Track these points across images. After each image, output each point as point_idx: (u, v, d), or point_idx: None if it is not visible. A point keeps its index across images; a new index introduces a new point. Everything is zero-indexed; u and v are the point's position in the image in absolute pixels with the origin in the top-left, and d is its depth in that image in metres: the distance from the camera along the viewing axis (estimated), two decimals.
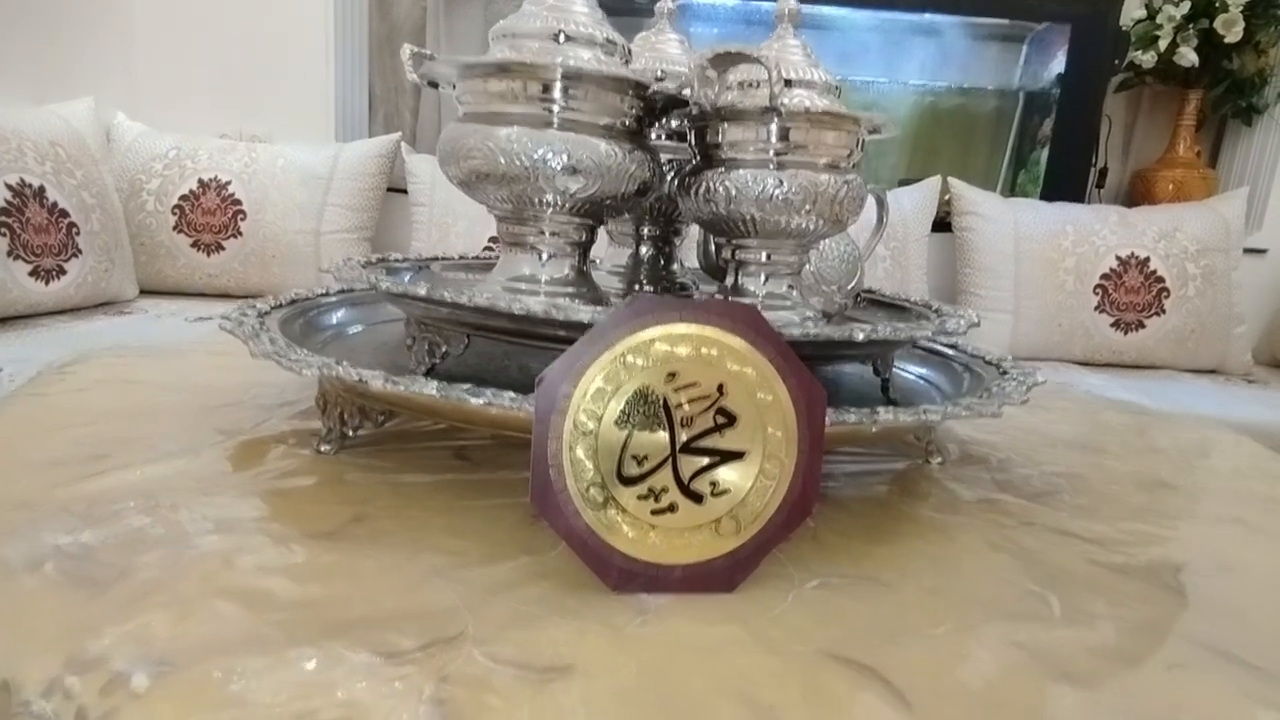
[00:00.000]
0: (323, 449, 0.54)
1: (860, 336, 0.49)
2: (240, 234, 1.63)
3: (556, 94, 0.53)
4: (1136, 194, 1.94)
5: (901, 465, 0.62)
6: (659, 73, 0.68)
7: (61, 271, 1.38)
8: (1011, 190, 2.07)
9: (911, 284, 1.70)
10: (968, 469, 0.62)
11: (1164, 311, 1.65)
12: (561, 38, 0.55)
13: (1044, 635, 0.37)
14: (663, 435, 0.38)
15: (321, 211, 1.67)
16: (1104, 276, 1.65)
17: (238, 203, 1.63)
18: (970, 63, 2.06)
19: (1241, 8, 1.69)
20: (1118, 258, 1.66)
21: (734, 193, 0.56)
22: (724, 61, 0.54)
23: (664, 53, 0.70)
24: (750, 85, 0.58)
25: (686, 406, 0.39)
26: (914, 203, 1.76)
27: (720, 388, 0.39)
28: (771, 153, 0.56)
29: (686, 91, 0.55)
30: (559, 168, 0.53)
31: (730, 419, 0.39)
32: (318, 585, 0.37)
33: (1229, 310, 1.67)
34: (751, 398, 0.39)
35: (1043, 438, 0.73)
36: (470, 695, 0.30)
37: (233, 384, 0.68)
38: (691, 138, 0.60)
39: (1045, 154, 1.99)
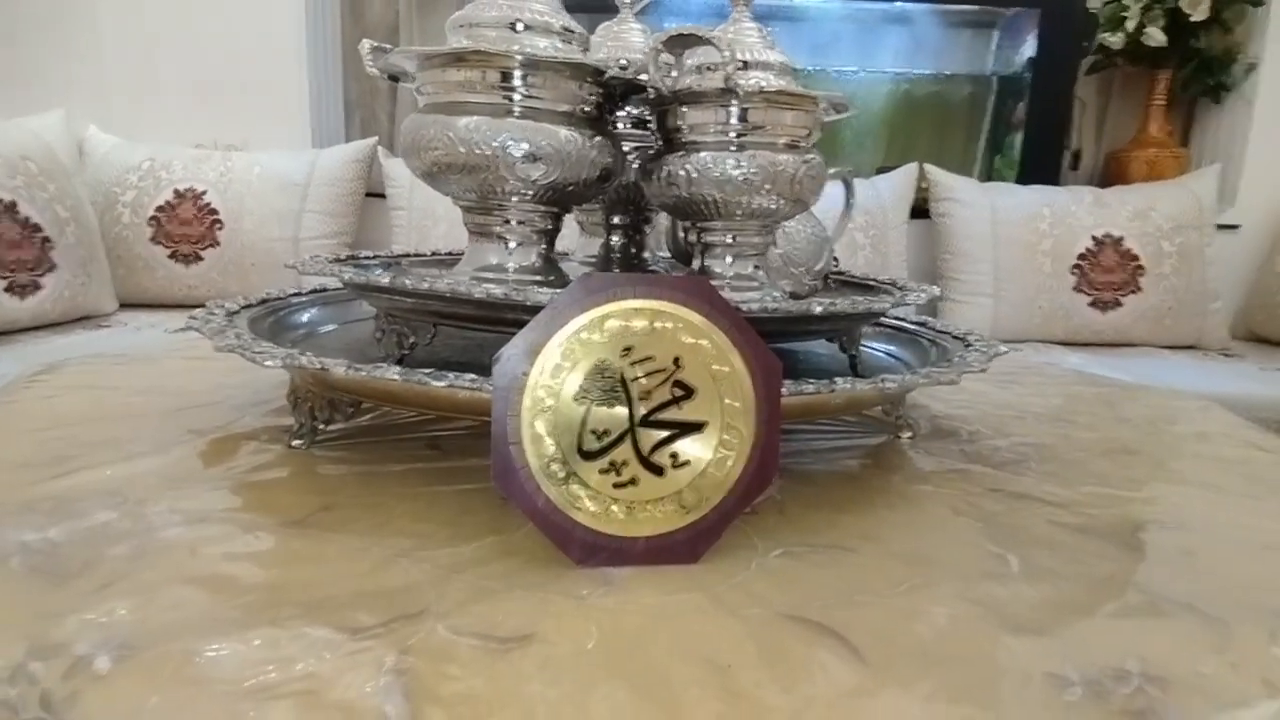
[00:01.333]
0: (294, 444, 0.55)
1: (818, 310, 0.50)
2: (218, 244, 1.62)
3: (515, 82, 0.53)
4: (1110, 175, 1.96)
5: (873, 441, 0.62)
6: (622, 62, 0.69)
7: (37, 286, 1.37)
8: (988, 175, 2.09)
9: (891, 271, 1.71)
10: (937, 442, 0.63)
11: (1140, 290, 1.67)
12: (519, 26, 0.55)
13: (1000, 591, 0.38)
14: (621, 410, 0.39)
15: (300, 218, 1.66)
16: (1081, 257, 1.67)
17: (214, 212, 1.63)
18: (943, 50, 2.08)
19: None
20: (1093, 238, 1.67)
21: (695, 175, 0.56)
22: (679, 44, 0.55)
23: (626, 42, 0.70)
24: (708, 68, 0.59)
25: (644, 380, 0.39)
26: (892, 190, 1.77)
27: (677, 360, 0.39)
28: (731, 134, 0.56)
29: (644, 76, 0.56)
30: (520, 156, 0.53)
31: (688, 391, 0.40)
32: (283, 570, 0.38)
33: (1204, 286, 1.69)
34: (708, 370, 0.40)
35: (1013, 411, 0.74)
36: (431, 665, 0.30)
37: (205, 386, 0.68)
38: (653, 123, 0.61)
39: (1020, 138, 2.00)
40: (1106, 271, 1.67)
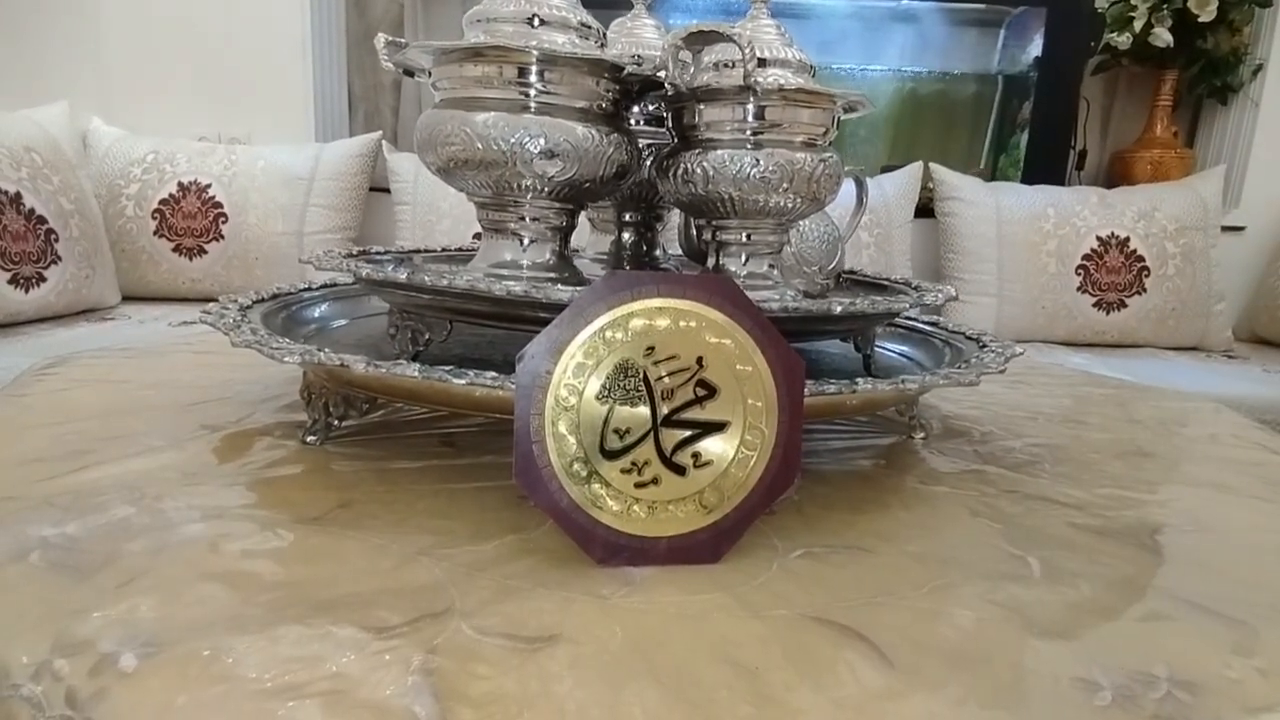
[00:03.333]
0: (308, 440, 0.54)
1: (838, 310, 0.49)
2: (222, 237, 1.62)
3: (532, 78, 0.53)
4: (1115, 175, 1.96)
5: (886, 441, 0.62)
6: (636, 58, 0.69)
7: (41, 279, 1.37)
8: (993, 174, 2.09)
9: (896, 270, 1.71)
10: (951, 443, 0.63)
11: (1145, 290, 1.67)
12: (536, 22, 0.55)
13: (1023, 593, 0.38)
14: (644, 409, 0.39)
15: (304, 213, 1.66)
16: (1085, 257, 1.67)
17: (219, 205, 1.62)
18: (949, 48, 2.07)
19: None
20: (1098, 238, 1.67)
21: (711, 173, 0.56)
22: (698, 40, 0.55)
23: (640, 38, 0.70)
24: (725, 65, 0.58)
25: (667, 379, 0.39)
26: (897, 189, 1.77)
27: (700, 360, 0.39)
28: (748, 132, 0.56)
29: (662, 73, 0.56)
30: (536, 152, 0.53)
31: (710, 391, 0.40)
32: (304, 567, 0.38)
33: (1208, 288, 1.69)
34: (731, 369, 0.40)
35: (1025, 412, 0.74)
36: (458, 665, 0.30)
37: (216, 381, 0.68)
38: (669, 120, 0.60)
39: (1025, 137, 2.00)
40: (1111, 272, 1.67)
